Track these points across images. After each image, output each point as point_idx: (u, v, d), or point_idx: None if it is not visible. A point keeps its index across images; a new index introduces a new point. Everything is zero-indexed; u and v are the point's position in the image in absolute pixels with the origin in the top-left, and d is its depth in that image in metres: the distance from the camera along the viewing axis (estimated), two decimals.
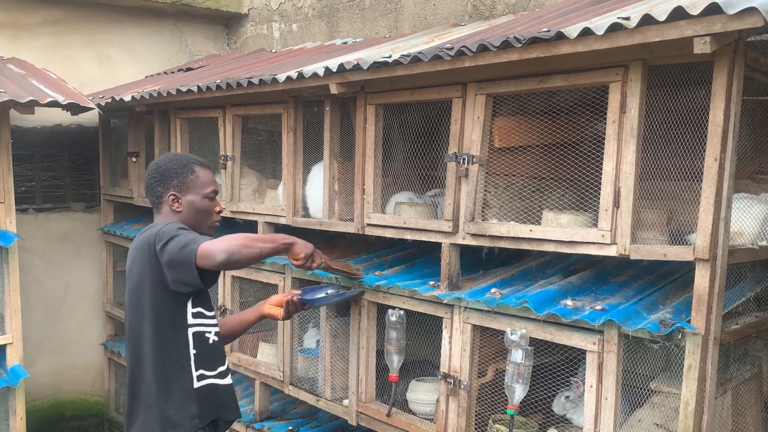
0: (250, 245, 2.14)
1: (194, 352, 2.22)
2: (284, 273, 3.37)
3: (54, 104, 3.85)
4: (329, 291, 2.85)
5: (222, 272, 3.40)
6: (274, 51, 5.08)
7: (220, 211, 2.41)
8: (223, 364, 2.33)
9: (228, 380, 2.33)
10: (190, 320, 2.23)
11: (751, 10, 1.65)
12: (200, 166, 2.37)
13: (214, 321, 2.31)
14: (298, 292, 2.77)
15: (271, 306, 2.71)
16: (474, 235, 2.53)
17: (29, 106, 3.76)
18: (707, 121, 1.93)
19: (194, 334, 2.24)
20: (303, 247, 2.38)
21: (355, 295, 2.93)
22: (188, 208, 2.31)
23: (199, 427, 2.22)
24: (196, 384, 2.23)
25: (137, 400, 2.26)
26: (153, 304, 2.19)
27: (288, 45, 5.26)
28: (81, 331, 5.38)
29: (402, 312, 2.76)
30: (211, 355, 2.28)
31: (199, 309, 2.26)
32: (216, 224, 2.43)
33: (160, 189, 2.32)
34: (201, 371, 2.24)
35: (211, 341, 2.28)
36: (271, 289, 3.49)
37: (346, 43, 4.29)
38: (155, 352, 2.21)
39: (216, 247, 2.07)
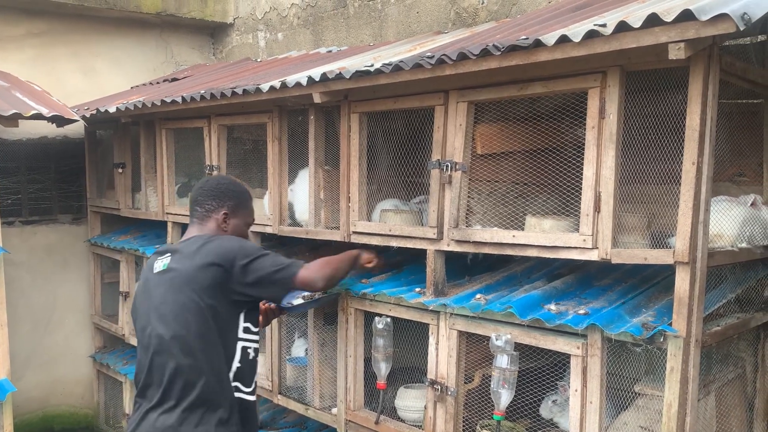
0: (338, 267, 2.53)
1: (238, 365, 2.30)
2: None
3: (38, 117, 3.85)
4: (305, 295, 2.89)
5: None
6: (259, 60, 5.09)
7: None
8: (254, 381, 2.41)
9: (254, 397, 2.40)
10: (241, 334, 2.32)
11: (723, 17, 1.68)
12: (251, 199, 2.59)
13: (257, 338, 2.39)
14: None
15: None
16: (458, 242, 2.54)
17: (13, 119, 3.75)
18: (685, 124, 1.96)
19: (242, 348, 2.32)
20: (368, 252, 2.75)
21: (330, 299, 2.98)
22: (233, 230, 2.46)
23: None
24: (235, 394, 2.30)
25: (188, 397, 2.22)
26: (212, 314, 2.24)
27: (273, 54, 5.27)
28: (69, 344, 5.35)
29: (389, 319, 2.77)
30: (250, 371, 2.36)
31: (248, 324, 2.35)
32: None
33: (215, 204, 2.44)
34: (237, 384, 2.31)
35: (251, 357, 2.36)
36: None
37: (330, 51, 4.31)
38: (206, 359, 2.23)
39: (316, 275, 2.40)
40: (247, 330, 2.34)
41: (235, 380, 2.30)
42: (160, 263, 2.36)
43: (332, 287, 2.53)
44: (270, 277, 2.29)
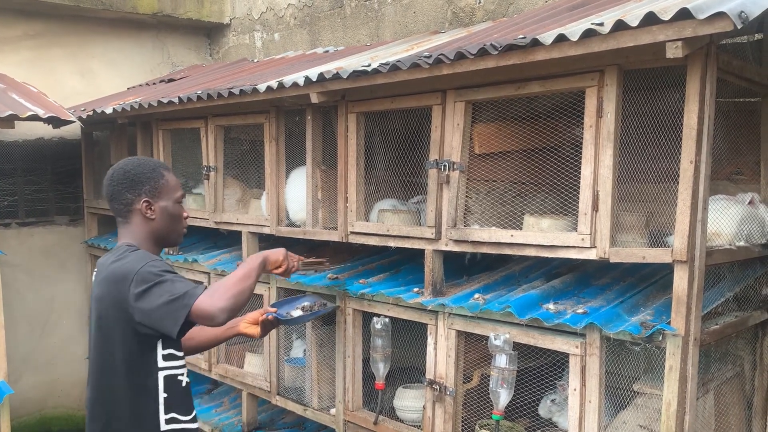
0: (241, 289, 2.11)
1: (165, 395, 2.11)
2: (269, 283, 3.36)
3: (34, 118, 3.84)
4: (304, 303, 2.79)
5: None
6: (256, 60, 5.09)
7: (186, 217, 2.32)
8: (194, 408, 2.23)
9: (197, 425, 2.23)
10: (161, 363, 2.11)
11: (721, 15, 1.68)
12: (167, 170, 2.28)
13: (184, 362, 2.19)
14: (273, 309, 2.66)
15: (247, 325, 2.61)
16: (456, 241, 2.54)
17: (9, 121, 3.74)
18: (683, 123, 1.96)
19: (165, 377, 2.12)
20: (274, 254, 2.42)
21: (329, 311, 2.89)
22: (161, 215, 2.21)
23: None
24: (164, 427, 2.12)
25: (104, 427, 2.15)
26: (122, 342, 2.07)
27: (270, 54, 5.27)
28: (67, 346, 5.34)
29: (387, 319, 2.76)
30: (184, 398, 2.17)
31: (171, 351, 2.13)
32: (184, 230, 2.33)
33: (130, 196, 2.18)
34: (172, 414, 2.13)
35: (183, 384, 2.17)
36: (256, 300, 3.47)
37: (327, 51, 4.31)
38: (125, 391, 2.10)
39: (215, 308, 2.01)
40: (169, 357, 2.12)
41: (168, 412, 2.11)
42: (98, 285, 2.18)
43: (237, 316, 2.17)
44: (163, 308, 1.99)
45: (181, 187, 2.30)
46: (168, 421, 2.12)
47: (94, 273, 2.25)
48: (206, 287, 2.11)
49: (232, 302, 2.06)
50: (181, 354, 2.17)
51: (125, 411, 2.10)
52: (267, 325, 2.62)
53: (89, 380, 2.20)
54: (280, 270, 2.46)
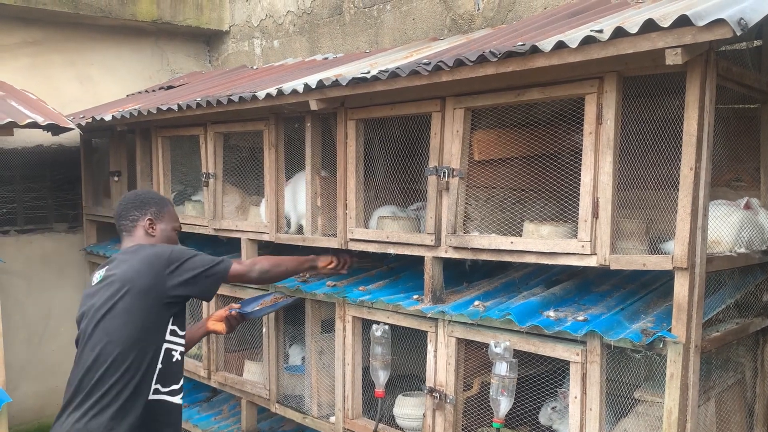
0: (279, 264, 2.71)
1: (160, 366, 2.33)
2: (268, 289, 3.36)
3: (33, 125, 3.84)
4: (266, 300, 3.09)
5: None
6: (255, 67, 5.09)
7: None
8: (177, 383, 2.42)
9: (178, 399, 2.41)
10: (168, 336, 2.36)
11: (720, 22, 1.68)
12: (172, 204, 2.68)
13: (183, 341, 2.45)
14: (237, 306, 3.01)
15: (214, 322, 2.95)
16: (456, 248, 2.53)
17: (8, 128, 3.74)
18: (682, 130, 1.96)
19: (166, 350, 2.36)
20: (324, 256, 2.91)
21: (290, 303, 3.14)
22: (160, 235, 2.54)
23: None
24: (151, 396, 2.31)
25: (88, 396, 2.24)
26: (145, 314, 2.30)
27: (270, 61, 5.27)
28: (65, 354, 5.29)
29: (387, 327, 2.75)
30: (172, 372, 2.38)
31: (175, 327, 2.40)
32: None
33: (137, 213, 2.53)
34: (157, 386, 2.34)
35: (175, 359, 2.40)
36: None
37: (326, 58, 4.31)
38: (129, 360, 2.25)
39: (250, 267, 2.61)
40: (173, 333, 2.39)
41: (156, 382, 2.32)
42: (98, 275, 2.44)
43: (269, 282, 2.71)
44: (204, 272, 2.39)
45: (179, 222, 2.68)
46: (154, 392, 2.32)
47: (104, 267, 2.45)
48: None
49: (266, 267, 2.65)
50: (182, 333, 2.43)
51: (124, 379, 2.24)
52: (232, 321, 2.95)
53: (80, 358, 2.32)
54: (332, 265, 2.93)
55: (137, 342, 2.27)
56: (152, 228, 2.53)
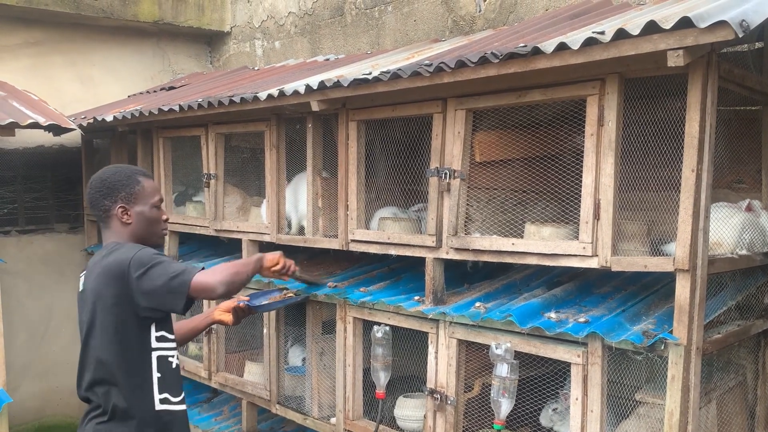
0: (236, 271, 2.34)
1: (158, 375, 2.23)
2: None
3: (35, 126, 3.84)
4: (274, 295, 2.98)
5: None
6: (256, 68, 5.09)
7: (166, 220, 2.42)
8: (181, 391, 2.33)
9: (184, 406, 2.34)
10: (154, 344, 2.24)
11: (722, 24, 1.68)
12: (144, 176, 2.38)
13: (175, 345, 2.32)
14: (246, 298, 2.87)
15: (221, 312, 2.78)
16: (457, 250, 2.53)
17: (10, 128, 3.74)
18: (684, 132, 1.95)
19: (158, 357, 2.24)
20: (271, 254, 2.64)
21: (299, 300, 3.06)
22: (138, 219, 2.31)
23: None
24: (159, 407, 2.23)
25: (95, 411, 2.23)
26: (119, 327, 2.18)
27: (271, 62, 5.27)
28: (66, 354, 5.30)
29: (387, 328, 2.75)
30: (175, 380, 2.28)
31: (163, 333, 2.26)
32: (165, 233, 2.43)
33: (107, 202, 2.30)
34: (165, 395, 2.25)
35: (174, 366, 2.29)
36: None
37: (328, 59, 4.31)
38: (120, 372, 2.19)
39: (213, 280, 2.22)
40: (162, 339, 2.25)
41: (161, 392, 2.23)
42: (81, 281, 2.32)
43: (233, 293, 2.38)
44: (165, 285, 2.14)
45: (159, 191, 2.42)
46: (162, 401, 2.23)
47: (83, 274, 2.33)
48: (203, 268, 2.26)
49: (230, 278, 2.28)
50: (172, 337, 2.30)
51: (124, 390, 2.18)
52: (239, 313, 2.79)
53: (84, 370, 2.27)
54: (277, 267, 2.66)
55: (124, 360, 2.18)
56: (126, 215, 2.29)
